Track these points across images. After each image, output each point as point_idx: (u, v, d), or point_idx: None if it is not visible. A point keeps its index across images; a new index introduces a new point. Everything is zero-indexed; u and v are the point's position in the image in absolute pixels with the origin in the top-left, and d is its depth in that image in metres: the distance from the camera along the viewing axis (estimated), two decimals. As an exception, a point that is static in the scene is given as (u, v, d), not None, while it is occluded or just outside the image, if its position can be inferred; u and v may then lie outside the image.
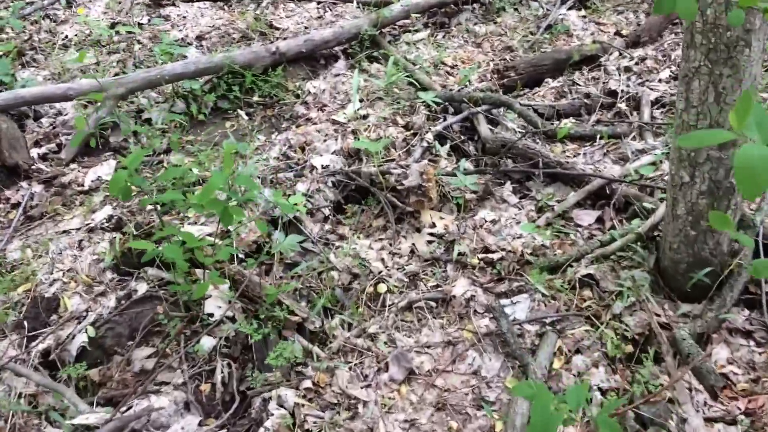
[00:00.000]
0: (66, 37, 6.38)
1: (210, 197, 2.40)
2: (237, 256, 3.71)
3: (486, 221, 3.87)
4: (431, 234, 3.88)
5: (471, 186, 3.72)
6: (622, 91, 4.97)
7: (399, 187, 4.04)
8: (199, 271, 3.42)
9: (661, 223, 3.53)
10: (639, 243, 3.51)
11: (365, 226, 4.07)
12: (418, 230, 3.93)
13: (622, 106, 4.86)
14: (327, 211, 4.07)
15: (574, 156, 4.42)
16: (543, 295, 3.27)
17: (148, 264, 3.55)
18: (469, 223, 3.85)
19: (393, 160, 4.39)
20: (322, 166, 4.24)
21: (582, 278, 3.33)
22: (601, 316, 3.17)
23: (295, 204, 3.63)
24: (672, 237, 3.18)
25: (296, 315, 3.29)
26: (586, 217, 3.81)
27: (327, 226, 3.98)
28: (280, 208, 3.45)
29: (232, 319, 3.36)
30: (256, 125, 5.17)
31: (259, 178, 4.17)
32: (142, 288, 3.51)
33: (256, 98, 5.35)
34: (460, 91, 4.69)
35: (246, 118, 5.22)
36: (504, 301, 3.31)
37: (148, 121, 5.12)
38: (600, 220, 3.83)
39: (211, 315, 3.28)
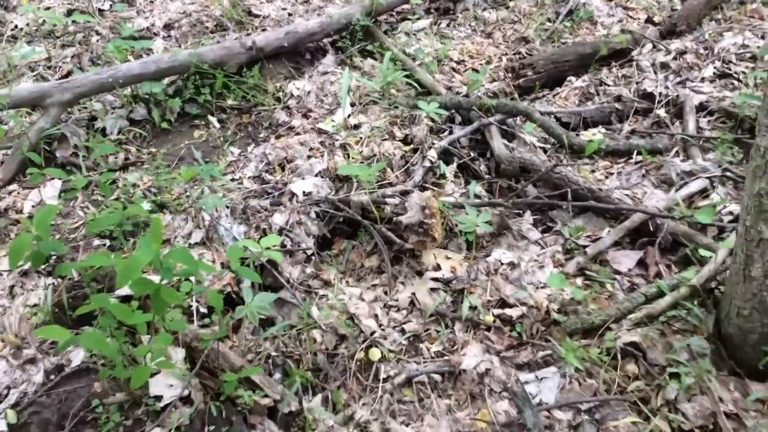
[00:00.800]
0: (16, 27, 5.68)
1: (135, 277, 1.77)
2: (198, 311, 3.08)
3: (502, 263, 3.24)
4: (435, 279, 3.24)
5: (483, 226, 3.07)
6: (660, 93, 4.29)
7: (396, 219, 3.39)
8: (146, 337, 2.79)
9: (720, 274, 2.89)
10: (694, 299, 2.88)
11: (356, 267, 3.44)
12: (420, 274, 3.29)
13: (661, 112, 4.20)
14: (309, 249, 3.43)
15: (606, 177, 3.76)
16: (576, 369, 2.64)
17: (86, 322, 2.94)
18: (481, 266, 3.21)
19: (389, 183, 3.74)
20: (304, 192, 3.59)
21: (624, 347, 2.70)
22: (651, 401, 2.55)
23: (268, 248, 2.98)
24: (742, 301, 2.55)
25: (267, 396, 2.67)
26: (626, 260, 3.18)
27: (309, 269, 3.34)
28: (246, 266, 2.81)
29: (189, 400, 2.74)
30: (229, 135, 4.51)
31: (227, 207, 3.51)
32: (77, 357, 2.89)
33: (230, 102, 4.68)
34: (469, 97, 4.00)
35: (218, 126, 4.56)
36: (527, 376, 2.69)
37: (102, 131, 4.45)
38: (642, 263, 3.20)
39: (158, 398, 2.65)
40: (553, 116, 4.15)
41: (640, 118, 4.25)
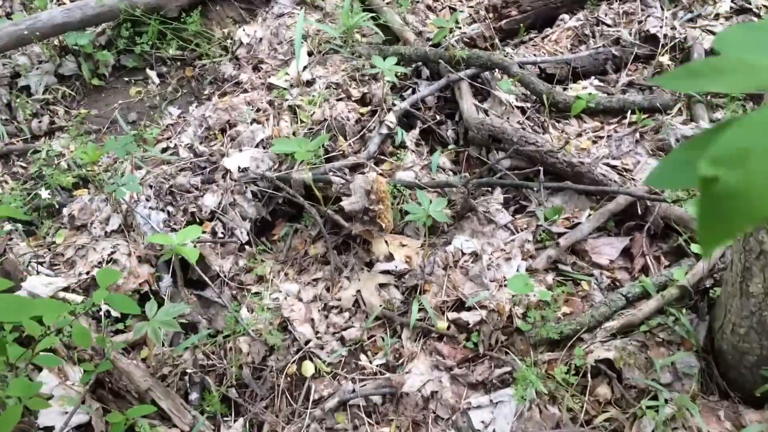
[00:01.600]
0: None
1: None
2: (108, 313, 2.72)
3: (463, 254, 2.81)
4: (386, 272, 2.83)
5: (437, 216, 2.61)
6: (665, 35, 3.69)
7: (338, 205, 2.95)
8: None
9: (717, 272, 2.45)
10: (684, 303, 2.46)
11: (298, 256, 3.03)
12: (369, 265, 2.88)
13: (665, 59, 3.62)
14: (243, 236, 3.01)
15: (594, 142, 3.25)
16: (538, 392, 2.26)
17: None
18: (439, 257, 2.78)
19: (342, 154, 3.27)
20: (240, 168, 3.13)
21: (596, 364, 2.30)
22: (624, 434, 2.18)
23: (185, 244, 2.57)
24: (738, 317, 2.13)
25: (176, 426, 2.33)
26: (608, 249, 2.73)
27: (242, 261, 2.94)
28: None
29: (89, 428, 2.42)
30: (169, 92, 4.00)
31: (151, 187, 3.08)
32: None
33: (172, 51, 4.14)
34: (438, 47, 3.44)
35: (157, 81, 4.07)
36: (480, 399, 2.32)
37: (27, 89, 3.98)
38: (627, 253, 2.75)
39: (50, 429, 2.34)
40: (537, 66, 3.59)
41: (640, 66, 3.68)
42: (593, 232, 2.80)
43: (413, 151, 3.27)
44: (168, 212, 3.01)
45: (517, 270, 2.72)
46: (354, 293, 2.79)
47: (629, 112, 3.36)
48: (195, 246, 2.83)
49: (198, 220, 3.05)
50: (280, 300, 2.80)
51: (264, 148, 3.35)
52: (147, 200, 3.02)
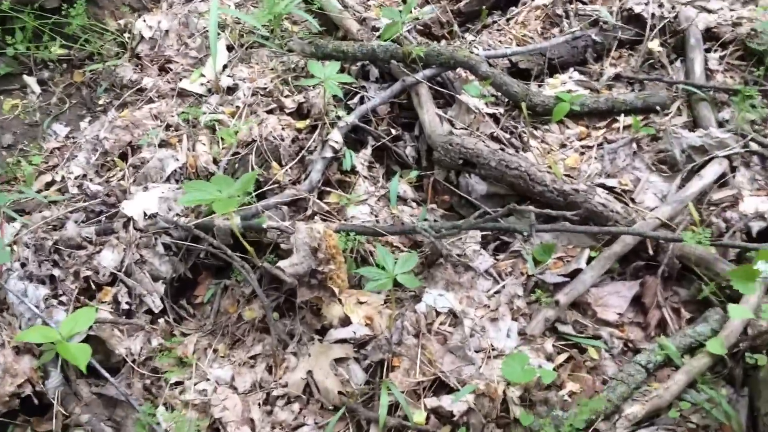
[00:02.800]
0: None
1: None
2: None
3: (437, 313, 2.28)
4: (343, 341, 2.27)
5: (407, 281, 2.05)
6: (653, 15, 3.19)
7: (276, 266, 2.36)
8: None
9: (757, 335, 2.01)
10: (718, 373, 2.01)
11: (230, 323, 2.43)
12: (321, 332, 2.32)
13: (654, 45, 3.14)
14: (156, 304, 2.39)
15: (582, 154, 2.75)
16: None
17: None
18: (408, 320, 2.26)
19: (276, 184, 2.66)
20: (146, 215, 2.48)
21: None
22: None
23: (74, 337, 1.94)
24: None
25: None
26: (615, 300, 2.27)
27: (155, 339, 2.32)
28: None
29: None
30: (54, 104, 3.27)
31: (28, 246, 2.41)
32: None
33: (56, 51, 3.38)
34: (387, 42, 2.83)
35: (38, 90, 3.31)
36: None
37: None
38: (638, 301, 2.28)
39: None
40: (507, 59, 3.03)
41: (625, 54, 3.17)
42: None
43: (366, 177, 2.69)
44: (52, 280, 2.35)
45: (508, 335, 2.22)
46: (304, 375, 2.23)
47: (620, 113, 2.85)
48: (92, 329, 2.22)
49: (94, 286, 2.40)
50: (209, 392, 2.21)
51: (177, 181, 2.70)
52: (23, 266, 2.35)
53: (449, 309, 2.33)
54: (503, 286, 2.39)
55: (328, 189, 2.66)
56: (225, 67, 3.31)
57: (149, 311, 2.44)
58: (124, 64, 3.36)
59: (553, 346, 2.19)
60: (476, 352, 2.20)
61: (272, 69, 3.20)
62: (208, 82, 3.23)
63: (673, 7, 3.24)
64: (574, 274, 2.33)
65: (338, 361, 2.29)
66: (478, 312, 2.32)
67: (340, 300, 2.43)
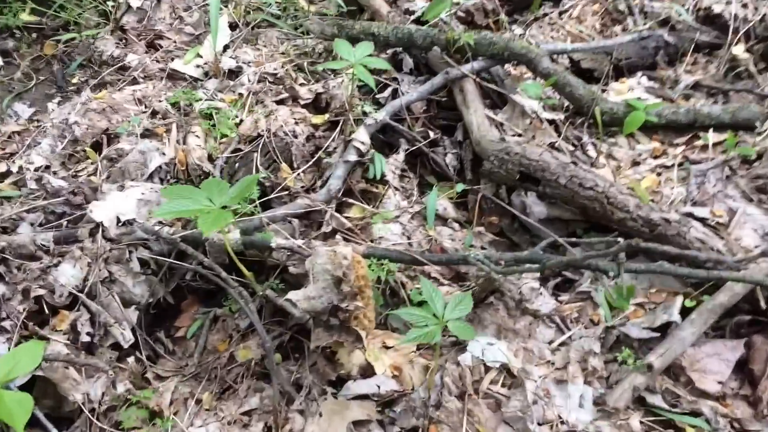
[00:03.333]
0: None
1: None
2: None
3: (487, 367, 1.78)
4: (364, 397, 1.76)
5: (460, 331, 1.55)
6: (735, 17, 2.73)
7: (294, 270, 1.86)
8: None
9: None
10: None
11: (219, 365, 1.92)
12: (336, 384, 1.81)
13: (739, 51, 2.66)
14: (126, 336, 1.87)
15: (658, 175, 2.28)
16: None
17: None
18: (450, 375, 1.77)
19: (286, 191, 2.16)
20: (120, 221, 1.96)
21: None
22: None
23: (11, 383, 1.42)
24: None
25: None
26: (715, 364, 1.81)
27: (121, 385, 1.79)
28: None
29: None
30: (18, 79, 2.74)
31: (-33, 255, 1.87)
32: None
33: (25, 17, 2.85)
34: (427, 26, 2.35)
35: (0, 62, 2.77)
36: None
37: None
38: (742, 367, 1.79)
39: None
40: (566, 57, 2.55)
41: (702, 60, 2.71)
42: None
43: (397, 189, 2.19)
44: (-7, 300, 1.83)
45: (581, 404, 1.72)
46: (313, 442, 1.71)
47: (703, 128, 2.38)
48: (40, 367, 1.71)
49: (48, 309, 1.88)
50: (190, 460, 1.69)
51: (162, 181, 2.19)
52: (-42, 279, 1.82)
53: (502, 364, 1.83)
54: (570, 338, 1.90)
55: (349, 200, 2.16)
56: (226, 48, 2.81)
57: (116, 345, 1.93)
58: (105, 36, 2.85)
59: (640, 422, 1.69)
60: (540, 425, 1.70)
61: (283, 53, 2.71)
62: (205, 64, 2.73)
63: (756, 9, 2.78)
64: (664, 328, 1.84)
65: (357, 424, 1.78)
66: (539, 370, 1.82)
67: (366, 345, 1.92)
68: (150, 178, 2.20)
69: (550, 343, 1.92)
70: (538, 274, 2.03)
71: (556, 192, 2.02)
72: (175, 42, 2.84)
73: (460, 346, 1.94)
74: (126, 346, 1.93)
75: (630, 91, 2.61)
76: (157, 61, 2.74)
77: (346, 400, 1.85)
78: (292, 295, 1.69)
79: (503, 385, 1.83)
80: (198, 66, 2.73)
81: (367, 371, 1.90)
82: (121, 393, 1.83)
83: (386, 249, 1.91)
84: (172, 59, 2.76)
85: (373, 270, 1.91)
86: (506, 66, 2.54)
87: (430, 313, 1.60)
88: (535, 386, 1.77)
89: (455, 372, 1.84)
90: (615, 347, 1.86)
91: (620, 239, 1.68)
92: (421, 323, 1.58)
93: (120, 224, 2.01)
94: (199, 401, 1.89)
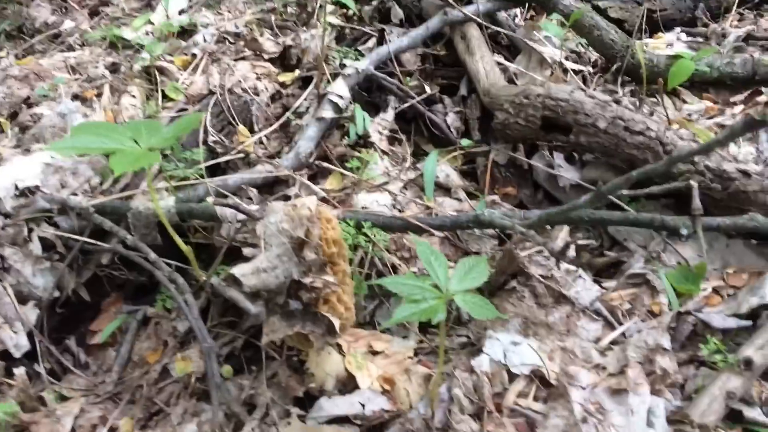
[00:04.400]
0: None
1: None
2: None
3: (512, 375, 1.25)
4: (341, 420, 1.23)
5: (475, 310, 1.05)
6: (784, -34, 2.31)
7: (249, 253, 1.37)
8: None
9: None
10: None
11: (146, 383, 1.39)
12: (303, 404, 1.28)
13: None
14: (21, 343, 1.35)
15: (718, 129, 1.81)
16: None
17: None
18: (460, 386, 1.21)
19: (243, 159, 1.68)
20: (20, 189, 1.48)
21: None
22: None
23: None
24: None
25: None
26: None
27: (10, 401, 1.27)
28: None
29: None
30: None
31: None
32: None
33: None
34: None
35: None
36: None
37: None
38: None
39: None
40: (590, 3, 2.12)
41: (750, 15, 2.27)
42: None
43: (385, 152, 1.72)
44: None
45: (650, 421, 1.20)
46: (269, 484, 1.19)
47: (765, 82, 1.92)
48: None
49: None
50: None
51: (84, 147, 1.70)
52: None
53: (532, 369, 1.32)
54: (625, 334, 1.39)
55: (325, 165, 1.68)
56: (182, 12, 2.37)
57: (5, 354, 1.42)
58: (40, 3, 2.41)
59: (737, 441, 1.18)
60: (591, 451, 1.19)
61: (251, 14, 2.27)
62: (156, 29, 2.28)
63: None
64: (754, 315, 1.34)
65: (332, 458, 1.26)
66: (586, 377, 1.30)
67: (339, 346, 1.42)
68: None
69: (597, 341, 1.42)
70: (573, 249, 1.53)
71: (594, 142, 1.54)
72: (123, 9, 2.41)
73: (473, 347, 1.44)
74: (18, 355, 1.43)
75: (668, 47, 2.17)
76: (101, 29, 2.30)
77: (318, 424, 1.34)
78: (237, 269, 1.20)
79: (536, 399, 1.32)
80: (147, 33, 2.29)
81: (348, 385, 1.40)
82: (2, 418, 1.31)
83: (371, 213, 1.42)
84: (119, 27, 2.33)
85: (352, 245, 1.41)
86: (516, 20, 2.10)
87: (430, 283, 1.11)
88: (582, 398, 1.25)
89: (468, 382, 1.33)
90: (689, 344, 1.35)
91: (693, 182, 1.21)
92: (416, 296, 1.08)
93: (18, 194, 1.52)
94: (114, 430, 1.37)
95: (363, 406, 1.38)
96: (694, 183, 1.24)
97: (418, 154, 1.87)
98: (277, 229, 1.19)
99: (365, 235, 1.40)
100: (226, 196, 1.53)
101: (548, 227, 1.54)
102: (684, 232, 1.27)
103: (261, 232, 1.22)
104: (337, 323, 1.22)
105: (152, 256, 1.43)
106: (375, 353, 1.52)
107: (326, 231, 1.21)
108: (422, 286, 1.10)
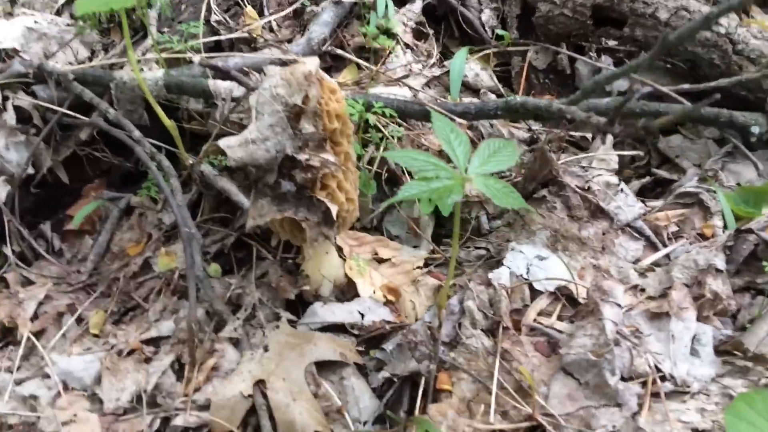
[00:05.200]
0: None
1: None
2: None
3: (535, 293, 1.07)
4: (338, 328, 1.08)
5: (500, 197, 0.88)
6: None
7: (210, 149, 1.20)
8: None
9: None
10: None
11: (120, 278, 1.25)
12: (295, 308, 1.15)
13: None
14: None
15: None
16: None
17: None
18: (474, 298, 1.05)
19: (246, 41, 1.51)
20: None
21: None
22: None
23: None
24: None
25: None
26: None
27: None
28: None
29: None
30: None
31: None
32: None
33: None
34: None
35: None
36: None
37: None
38: None
39: None
40: None
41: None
42: None
43: (409, 46, 1.52)
44: None
45: (694, 350, 1.03)
46: (247, 389, 1.05)
47: None
48: None
49: None
50: (42, 402, 1.04)
51: (77, 21, 1.55)
52: None
53: (559, 286, 1.15)
54: (669, 257, 1.21)
55: (341, 54, 1.50)
56: None
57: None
58: None
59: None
60: (624, 379, 1.01)
61: None
62: None
63: None
64: (828, 239, 1.15)
65: (324, 368, 1.11)
66: (623, 297, 1.13)
67: (340, 249, 1.26)
68: (59, 13, 1.56)
69: (637, 261, 1.24)
70: (615, 160, 1.34)
71: (652, 37, 1.33)
72: None
73: (493, 259, 1.27)
74: (-16, 238, 1.30)
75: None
76: None
77: (310, 330, 1.19)
78: (223, 140, 1.03)
79: (560, 318, 1.15)
80: None
81: (348, 292, 1.25)
82: (-44, 298, 1.19)
83: (385, 97, 1.24)
84: None
85: (356, 115, 1.24)
86: None
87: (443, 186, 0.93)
88: (617, 316, 1.08)
89: (483, 295, 1.17)
90: (747, 269, 1.16)
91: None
92: (428, 173, 0.90)
93: (-4, 59, 1.38)
94: (81, 321, 1.24)
95: (362, 315, 1.23)
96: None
97: (447, 56, 1.68)
98: (270, 94, 1.02)
99: (378, 121, 1.23)
100: (223, 70, 1.36)
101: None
102: (755, 130, 1.07)
103: (254, 101, 1.05)
104: (334, 210, 1.05)
105: (136, 133, 1.28)
106: (381, 261, 1.36)
107: (328, 102, 1.04)
108: (437, 163, 0.93)
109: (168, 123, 1.20)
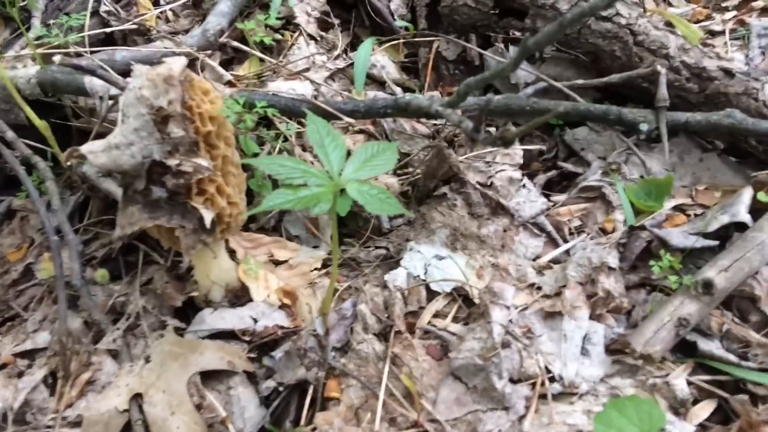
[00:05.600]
0: None
1: None
2: None
3: (432, 294, 1.06)
4: (227, 335, 1.04)
5: (368, 201, 0.84)
6: None
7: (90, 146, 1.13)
8: None
9: None
10: None
11: (7, 286, 1.18)
12: (183, 314, 1.10)
13: None
14: None
15: (704, 44, 1.57)
16: None
17: None
18: (367, 302, 1.03)
19: (138, 31, 1.44)
20: None
21: None
22: None
23: None
24: None
25: None
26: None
27: None
28: None
29: None
30: None
31: None
32: None
33: None
34: None
35: None
36: None
37: None
38: None
39: None
40: None
41: None
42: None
43: (312, 37, 1.48)
44: None
45: (584, 350, 1.03)
46: (123, 404, 0.99)
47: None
48: None
49: None
50: None
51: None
52: None
53: (455, 287, 1.12)
54: (569, 253, 1.20)
55: (239, 47, 1.44)
56: None
57: None
58: None
59: (688, 382, 0.99)
60: (513, 381, 1.00)
61: None
62: None
63: None
64: (723, 236, 1.14)
65: (210, 377, 1.07)
66: (517, 297, 1.11)
67: (232, 252, 1.21)
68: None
69: (536, 259, 1.22)
70: (520, 159, 1.32)
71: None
72: None
73: (392, 259, 1.23)
74: None
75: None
76: None
77: (198, 338, 1.14)
78: (86, 146, 0.97)
79: (456, 320, 1.13)
80: None
81: (242, 297, 1.21)
82: None
83: (270, 95, 1.20)
84: None
85: (232, 117, 1.18)
86: None
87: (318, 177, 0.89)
88: (506, 318, 1.06)
89: (378, 297, 1.14)
90: (642, 265, 1.15)
91: (661, 67, 0.99)
92: (296, 180, 0.86)
93: None
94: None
95: (255, 320, 1.19)
96: (661, 68, 1.02)
97: (357, 47, 1.63)
98: (135, 96, 0.96)
99: (264, 115, 1.18)
100: (87, 69, 1.28)
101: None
102: (644, 127, 1.06)
103: (122, 103, 0.99)
104: (208, 217, 1.00)
105: (9, 134, 1.20)
106: (277, 263, 1.32)
107: (200, 104, 0.98)
108: (306, 169, 0.89)
109: (39, 123, 1.13)
